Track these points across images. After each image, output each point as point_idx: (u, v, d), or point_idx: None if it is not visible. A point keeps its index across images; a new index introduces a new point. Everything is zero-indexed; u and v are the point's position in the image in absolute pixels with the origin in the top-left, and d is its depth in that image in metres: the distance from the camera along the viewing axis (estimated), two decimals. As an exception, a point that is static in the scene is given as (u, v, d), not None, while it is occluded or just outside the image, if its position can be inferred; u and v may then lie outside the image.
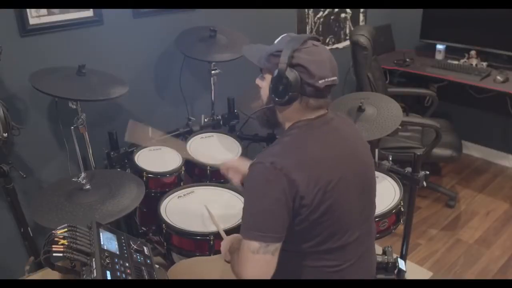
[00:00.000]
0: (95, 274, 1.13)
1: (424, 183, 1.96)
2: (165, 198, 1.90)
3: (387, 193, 1.89)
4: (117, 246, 1.30)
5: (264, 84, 1.27)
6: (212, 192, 1.98)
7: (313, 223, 1.19)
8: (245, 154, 2.27)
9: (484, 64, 3.07)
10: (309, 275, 1.28)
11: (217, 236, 1.66)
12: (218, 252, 1.59)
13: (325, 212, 1.18)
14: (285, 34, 1.27)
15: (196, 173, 2.16)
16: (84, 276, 1.15)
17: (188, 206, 1.88)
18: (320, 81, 1.18)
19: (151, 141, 2.05)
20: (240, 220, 1.28)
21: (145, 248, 1.39)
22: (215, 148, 2.28)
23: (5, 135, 1.57)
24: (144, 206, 2.08)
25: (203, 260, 1.63)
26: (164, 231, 1.75)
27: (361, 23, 3.42)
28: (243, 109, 2.29)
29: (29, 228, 1.85)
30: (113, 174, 1.91)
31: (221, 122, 2.47)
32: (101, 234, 1.30)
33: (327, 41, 3.23)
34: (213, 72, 2.34)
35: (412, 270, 2.35)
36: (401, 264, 1.75)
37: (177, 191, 1.96)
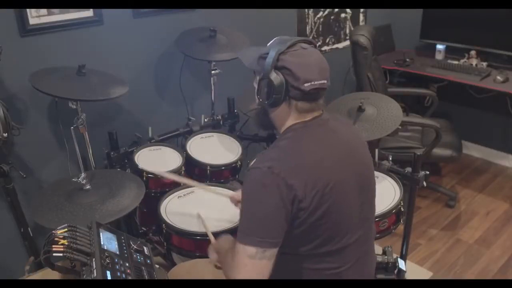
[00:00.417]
0: (95, 274, 1.13)
1: (424, 183, 1.96)
2: (165, 198, 1.90)
3: (387, 193, 1.89)
4: (117, 246, 1.30)
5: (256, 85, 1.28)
6: (206, 192, 1.98)
7: (311, 226, 1.19)
8: (245, 154, 2.27)
9: (484, 64, 3.07)
10: (308, 277, 1.27)
11: (217, 236, 1.66)
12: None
13: (323, 214, 1.18)
14: (277, 37, 1.27)
15: (196, 173, 2.16)
16: (84, 276, 1.15)
17: (188, 206, 1.88)
18: (305, 84, 1.18)
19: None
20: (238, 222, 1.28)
21: (145, 248, 1.39)
22: (215, 148, 2.28)
23: (5, 135, 1.57)
24: (144, 206, 2.08)
25: (203, 262, 1.63)
26: (164, 231, 1.75)
27: (361, 23, 3.42)
28: (242, 108, 2.29)
29: (29, 228, 1.85)
30: (113, 174, 1.91)
31: (221, 122, 2.47)
32: (101, 234, 1.30)
33: (327, 41, 3.23)
34: (213, 72, 2.34)
35: (412, 270, 2.35)
36: (401, 264, 1.75)
37: (177, 191, 1.96)
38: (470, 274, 2.41)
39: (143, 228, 2.15)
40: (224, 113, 2.49)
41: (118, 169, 2.08)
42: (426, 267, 2.46)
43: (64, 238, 1.19)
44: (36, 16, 1.89)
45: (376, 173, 1.98)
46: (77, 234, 1.24)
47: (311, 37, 3.09)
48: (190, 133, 2.33)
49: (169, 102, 2.50)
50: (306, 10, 3.01)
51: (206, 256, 1.68)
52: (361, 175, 1.29)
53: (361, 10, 3.39)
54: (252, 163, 1.25)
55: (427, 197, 3.06)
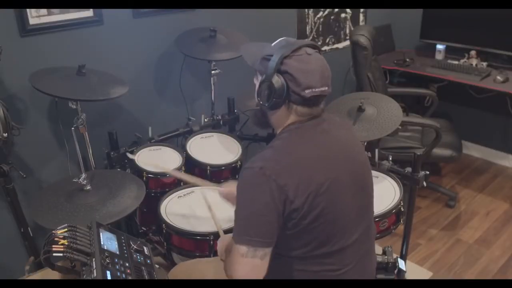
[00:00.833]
0: (95, 274, 1.13)
1: (424, 183, 1.97)
2: (165, 198, 1.91)
3: (387, 193, 1.89)
4: (117, 246, 1.30)
5: (257, 84, 1.28)
6: (212, 192, 1.98)
7: (307, 227, 1.19)
8: (245, 154, 2.27)
9: (484, 64, 3.07)
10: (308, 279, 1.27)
11: (216, 236, 1.66)
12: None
13: (319, 215, 1.18)
14: (282, 38, 1.27)
15: (196, 173, 2.16)
16: (84, 276, 1.15)
17: (188, 206, 1.88)
18: (306, 91, 1.18)
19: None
20: None
21: (145, 248, 1.39)
22: (215, 148, 2.28)
23: (5, 135, 1.57)
24: (144, 206, 2.08)
25: (203, 261, 1.63)
26: (164, 231, 1.75)
27: (361, 23, 3.42)
28: (241, 108, 2.29)
29: (29, 228, 1.85)
30: (113, 175, 1.91)
31: (221, 122, 2.47)
32: (101, 234, 1.30)
33: (327, 41, 3.23)
34: (213, 72, 2.34)
35: (412, 270, 2.35)
36: (401, 264, 1.75)
37: (177, 191, 1.96)
38: (470, 274, 2.41)
39: (143, 228, 2.15)
40: (224, 113, 2.49)
41: (118, 169, 2.08)
42: (426, 267, 2.46)
43: (64, 238, 1.19)
44: (36, 16, 1.89)
45: (376, 173, 1.99)
46: (77, 234, 1.24)
47: (311, 37, 3.09)
48: (190, 133, 2.33)
49: (169, 102, 2.50)
50: (306, 10, 3.01)
51: (206, 256, 1.69)
52: (357, 175, 1.29)
53: (361, 10, 3.39)
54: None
55: (427, 197, 3.06)
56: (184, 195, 1.95)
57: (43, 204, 1.68)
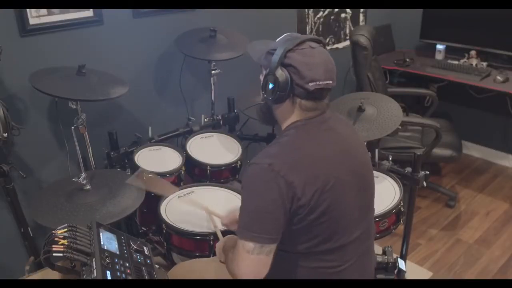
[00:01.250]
0: (95, 274, 1.13)
1: (424, 183, 1.96)
2: (165, 198, 1.90)
3: (387, 193, 1.89)
4: (117, 246, 1.30)
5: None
6: (212, 192, 1.98)
7: (312, 223, 1.19)
8: (245, 154, 2.27)
9: (484, 64, 3.07)
10: (309, 276, 1.28)
11: (216, 236, 1.66)
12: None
13: (324, 212, 1.18)
14: (287, 33, 1.27)
15: (196, 173, 2.16)
16: (84, 276, 1.15)
17: (188, 206, 1.88)
18: (310, 84, 1.18)
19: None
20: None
21: (145, 248, 1.39)
22: (215, 148, 2.28)
23: (5, 135, 1.57)
24: (144, 206, 2.07)
25: (203, 261, 1.63)
26: (164, 231, 1.75)
27: (361, 23, 3.42)
28: (241, 107, 2.29)
29: (29, 228, 1.85)
30: (113, 174, 1.91)
31: (221, 122, 2.47)
32: (101, 234, 1.30)
33: (327, 41, 3.23)
34: (213, 72, 2.34)
35: (412, 270, 2.35)
36: (401, 264, 1.75)
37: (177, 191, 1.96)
38: (470, 274, 2.41)
39: (143, 228, 2.15)
40: (224, 113, 2.49)
41: (118, 169, 2.08)
42: (426, 267, 2.46)
43: (64, 238, 1.19)
44: (36, 16, 1.89)
45: (376, 173, 1.99)
46: (77, 234, 1.24)
47: (304, 35, 3.08)
48: (190, 133, 2.33)
49: (169, 102, 2.50)
50: (306, 10, 3.01)
51: (206, 256, 1.69)
52: (360, 174, 1.29)
53: (361, 10, 3.39)
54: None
55: (427, 197, 3.06)
56: (184, 195, 1.95)
57: (43, 204, 1.68)
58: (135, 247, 1.36)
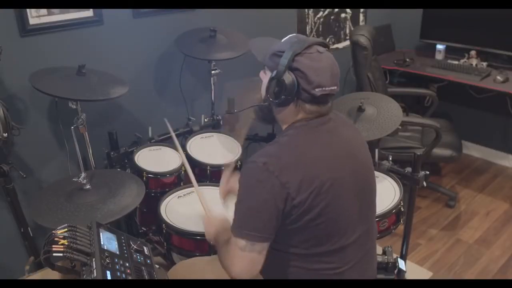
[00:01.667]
0: (95, 274, 1.13)
1: (424, 183, 1.96)
2: (165, 198, 1.90)
3: (387, 193, 1.89)
4: (117, 246, 1.30)
5: (265, 79, 1.27)
6: (212, 192, 1.98)
7: (308, 224, 1.19)
8: (245, 154, 2.27)
9: (484, 64, 3.07)
10: (309, 277, 1.27)
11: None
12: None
13: (320, 213, 1.18)
14: (293, 35, 1.26)
15: (196, 173, 2.15)
16: (84, 276, 1.15)
17: (188, 206, 1.88)
18: (317, 89, 1.17)
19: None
20: None
21: (145, 248, 1.39)
22: (215, 148, 2.28)
23: (5, 135, 1.57)
24: (144, 206, 2.08)
25: (203, 260, 1.63)
26: (164, 231, 1.75)
27: (361, 23, 3.42)
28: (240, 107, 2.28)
29: (29, 228, 1.85)
30: (113, 174, 1.91)
31: (221, 122, 2.47)
32: (101, 234, 1.30)
33: (327, 41, 3.23)
34: (213, 72, 2.34)
35: (412, 270, 2.35)
36: (401, 264, 1.75)
37: (177, 191, 1.96)
38: (470, 274, 2.41)
39: (143, 228, 2.15)
40: (224, 113, 2.49)
41: (118, 169, 2.08)
42: (426, 267, 2.46)
43: (64, 238, 1.19)
44: (36, 16, 1.89)
45: (376, 173, 1.98)
46: (77, 234, 1.24)
47: (311, 37, 3.08)
48: (190, 133, 2.33)
49: (169, 102, 2.50)
50: (306, 10, 3.01)
51: (206, 255, 1.68)
52: (360, 175, 1.29)
53: (361, 10, 3.39)
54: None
55: (427, 197, 3.06)
56: (184, 195, 1.95)
57: (43, 204, 1.68)
58: (135, 247, 1.36)
